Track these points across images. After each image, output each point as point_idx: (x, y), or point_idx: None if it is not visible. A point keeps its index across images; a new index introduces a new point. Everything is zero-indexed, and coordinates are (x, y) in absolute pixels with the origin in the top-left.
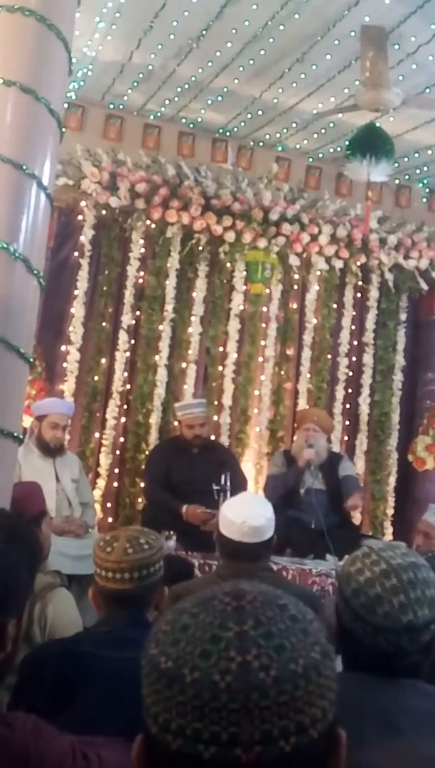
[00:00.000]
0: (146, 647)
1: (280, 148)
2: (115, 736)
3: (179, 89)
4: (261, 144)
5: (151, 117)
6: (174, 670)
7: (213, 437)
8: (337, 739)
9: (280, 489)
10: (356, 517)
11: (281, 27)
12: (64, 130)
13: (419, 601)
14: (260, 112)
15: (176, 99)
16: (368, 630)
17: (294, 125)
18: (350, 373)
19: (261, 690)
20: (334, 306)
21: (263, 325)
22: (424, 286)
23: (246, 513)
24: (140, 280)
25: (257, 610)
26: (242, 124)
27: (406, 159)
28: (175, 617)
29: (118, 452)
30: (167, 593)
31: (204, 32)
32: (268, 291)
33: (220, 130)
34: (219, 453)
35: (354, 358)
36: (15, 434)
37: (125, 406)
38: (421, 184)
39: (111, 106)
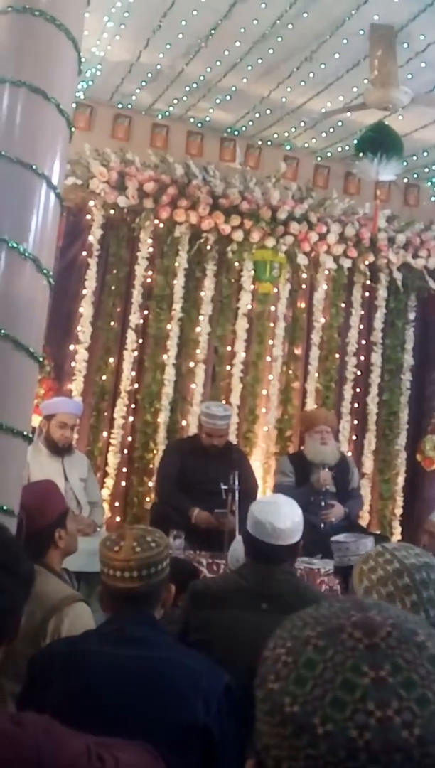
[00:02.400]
0: (263, 675)
1: (288, 147)
2: (126, 735)
3: (187, 88)
4: (269, 143)
5: (160, 116)
6: (302, 717)
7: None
8: None
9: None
10: (363, 518)
11: (290, 26)
12: (73, 129)
13: (431, 601)
14: (268, 111)
15: (184, 98)
16: None
17: (302, 124)
18: (358, 373)
19: (404, 752)
20: (343, 305)
21: (271, 325)
22: (433, 286)
23: (273, 515)
24: (148, 280)
25: (394, 651)
26: (250, 123)
27: (414, 158)
28: (296, 647)
29: (126, 451)
30: (173, 590)
31: (212, 31)
32: (276, 290)
33: (229, 130)
34: (232, 453)
35: (362, 358)
36: (25, 433)
37: (133, 406)
38: (429, 183)
39: (119, 106)
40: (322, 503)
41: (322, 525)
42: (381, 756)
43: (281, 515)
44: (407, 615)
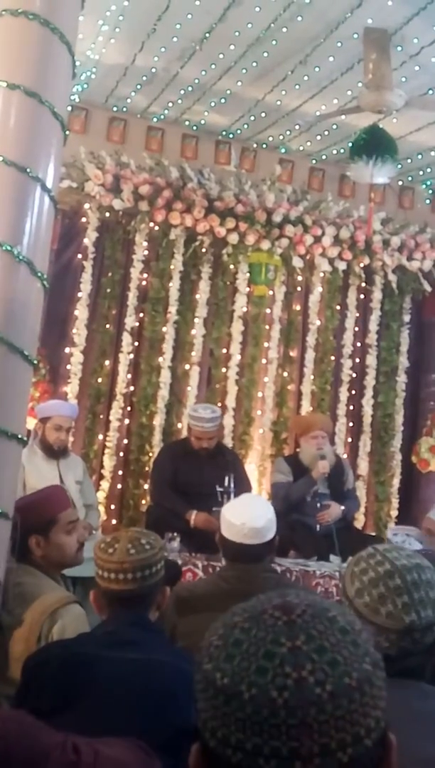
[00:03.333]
0: (198, 660)
1: (283, 150)
2: (124, 737)
3: (182, 92)
4: (264, 146)
5: (155, 119)
6: (231, 686)
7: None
8: (389, 744)
9: (292, 498)
10: (359, 519)
11: (284, 29)
12: (67, 132)
13: (422, 602)
14: (263, 114)
15: (179, 101)
16: (371, 630)
17: (297, 127)
18: (354, 375)
19: (318, 705)
20: (338, 308)
21: (266, 327)
22: (428, 288)
23: (246, 514)
24: (143, 282)
25: (308, 624)
26: (245, 126)
27: (409, 160)
28: (226, 631)
29: (121, 454)
30: (168, 592)
31: (207, 35)
32: (271, 293)
33: (223, 133)
34: (225, 456)
35: (357, 360)
36: (19, 436)
37: (129, 408)
38: (424, 186)
39: (114, 109)
40: (318, 505)
41: (318, 527)
42: (298, 711)
43: (254, 514)
44: (323, 599)
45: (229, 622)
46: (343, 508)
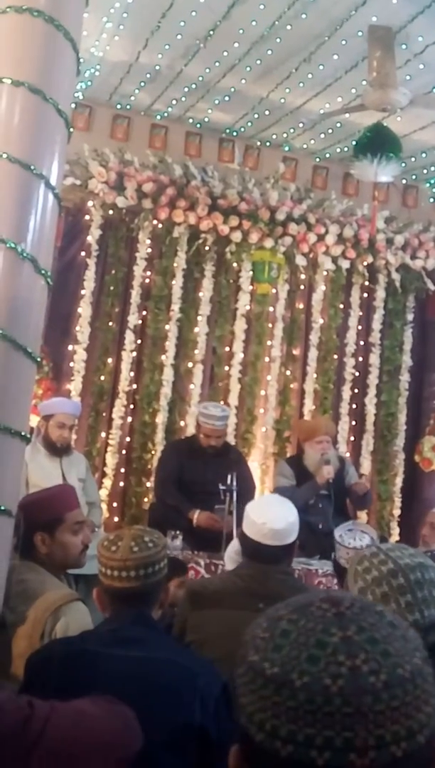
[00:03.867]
0: (242, 654)
1: (286, 148)
2: None
3: (186, 89)
4: (268, 144)
5: (158, 117)
6: (281, 675)
7: None
8: None
9: (296, 504)
10: (361, 518)
11: (288, 27)
12: (71, 130)
13: (426, 601)
14: (267, 112)
15: (183, 99)
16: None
17: (301, 125)
18: (357, 374)
19: (373, 694)
20: (341, 306)
21: (270, 325)
22: (431, 287)
23: (269, 514)
24: (147, 280)
25: (358, 616)
26: (249, 124)
27: (413, 159)
28: (271, 624)
29: (124, 452)
30: (172, 590)
31: (211, 32)
32: (274, 291)
33: (227, 130)
34: (230, 454)
35: (360, 359)
36: (23, 433)
37: (132, 406)
38: (428, 184)
39: (118, 106)
40: (319, 505)
41: (320, 526)
42: (353, 699)
43: (277, 516)
44: (369, 599)
45: (274, 615)
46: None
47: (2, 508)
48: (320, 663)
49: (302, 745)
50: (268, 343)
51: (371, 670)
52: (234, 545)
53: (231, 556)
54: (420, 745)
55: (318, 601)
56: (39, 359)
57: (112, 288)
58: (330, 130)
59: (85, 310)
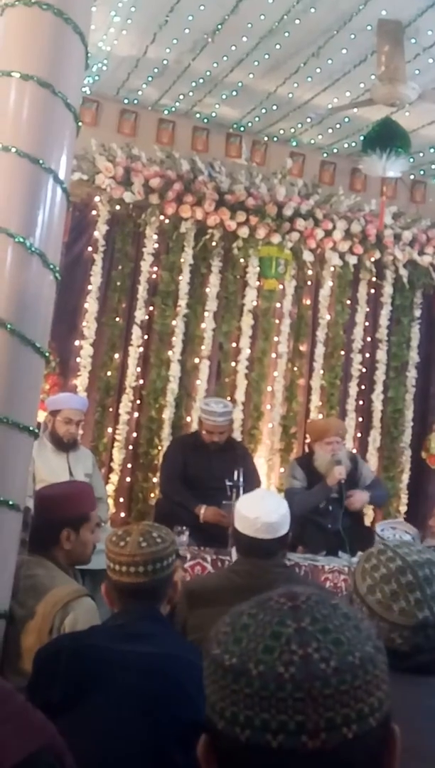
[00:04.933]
0: (207, 649)
1: (294, 144)
2: (130, 731)
3: (194, 84)
4: (275, 139)
5: (166, 112)
6: (239, 665)
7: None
8: (392, 730)
9: (307, 506)
10: (368, 515)
11: (297, 21)
12: (80, 124)
13: None
14: (275, 107)
15: (191, 94)
16: (383, 627)
17: (309, 120)
18: (364, 370)
19: (323, 679)
20: (348, 302)
21: (276, 321)
22: None
23: (260, 509)
24: (153, 276)
25: (312, 609)
26: (257, 119)
27: (421, 154)
28: (233, 619)
29: (131, 447)
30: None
31: (219, 26)
32: (281, 287)
33: (235, 125)
34: (235, 450)
35: (367, 355)
36: (31, 428)
37: (138, 402)
38: None
39: (125, 101)
40: (329, 508)
41: (329, 525)
42: (304, 684)
43: (268, 509)
44: (327, 593)
45: (236, 611)
46: (368, 493)
47: (11, 502)
48: (275, 652)
49: (259, 729)
50: (275, 339)
51: (322, 657)
52: None
53: None
54: (371, 728)
55: (277, 596)
56: (47, 354)
57: (118, 283)
58: (338, 125)
59: (91, 305)
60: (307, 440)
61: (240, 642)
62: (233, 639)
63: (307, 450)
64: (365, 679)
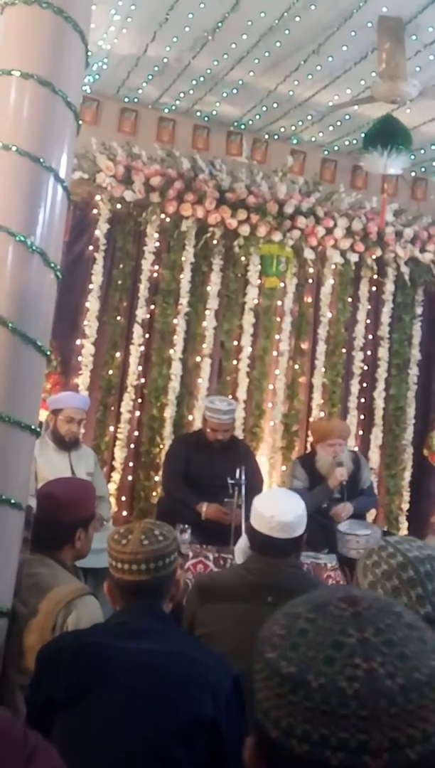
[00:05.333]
0: (260, 650)
1: (295, 141)
2: (133, 728)
3: (194, 82)
4: (276, 137)
5: (166, 110)
6: (298, 675)
7: None
8: None
9: (310, 507)
10: (370, 513)
11: (297, 18)
12: (80, 123)
13: None
14: (275, 105)
15: (191, 92)
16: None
17: (309, 118)
18: (365, 367)
19: (389, 698)
20: (349, 300)
21: (278, 319)
22: None
23: (276, 507)
24: (155, 274)
25: (375, 617)
26: (257, 117)
27: (422, 151)
28: (289, 621)
29: (132, 446)
30: (183, 583)
31: (219, 24)
32: (282, 285)
33: (235, 124)
34: (238, 448)
35: (369, 352)
36: (32, 427)
37: (140, 400)
38: None
39: (126, 100)
40: (331, 508)
41: (331, 524)
42: (369, 702)
43: (285, 508)
44: (389, 598)
45: (292, 612)
46: (352, 505)
47: (13, 501)
48: (336, 664)
49: (317, 744)
50: (277, 336)
51: (388, 673)
52: (245, 539)
53: (242, 549)
54: None
55: (336, 600)
56: (49, 353)
57: (120, 282)
58: (339, 123)
59: (93, 304)
60: (310, 439)
61: (297, 648)
62: (290, 644)
63: (309, 449)
64: (431, 697)
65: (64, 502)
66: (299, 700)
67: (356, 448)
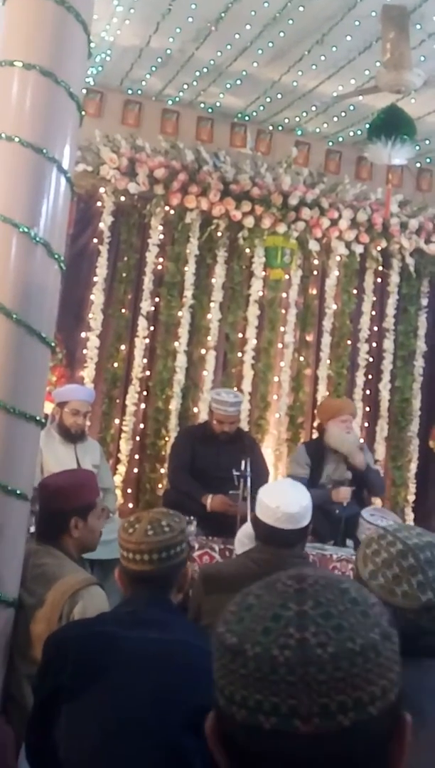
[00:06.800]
0: (215, 630)
1: (299, 132)
2: (138, 717)
3: (198, 73)
4: (280, 128)
5: (170, 102)
6: (238, 645)
7: None
8: (401, 721)
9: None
10: (377, 503)
11: (301, 8)
12: (83, 113)
13: None
14: (279, 96)
15: (194, 83)
16: (388, 611)
17: (314, 108)
18: (371, 359)
19: (318, 665)
20: (355, 291)
21: (283, 311)
22: None
23: (282, 498)
24: (159, 267)
25: (317, 593)
26: (261, 108)
27: (427, 142)
28: (241, 599)
29: (138, 438)
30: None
31: (223, 15)
32: (287, 276)
33: (239, 115)
34: (243, 440)
35: (374, 344)
36: (37, 418)
37: (145, 393)
38: None
39: (129, 92)
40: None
41: (337, 511)
42: (297, 668)
43: (290, 500)
44: (341, 576)
45: (246, 591)
46: (353, 488)
47: (18, 492)
48: (272, 634)
49: (252, 710)
50: (281, 329)
51: (319, 642)
52: (244, 530)
53: (241, 540)
54: (372, 717)
55: (285, 578)
56: (53, 344)
57: (124, 275)
58: (343, 114)
59: (97, 297)
60: (316, 424)
61: (242, 622)
62: (237, 619)
63: (315, 435)
64: (365, 666)
65: (55, 490)
66: (237, 668)
67: (362, 440)
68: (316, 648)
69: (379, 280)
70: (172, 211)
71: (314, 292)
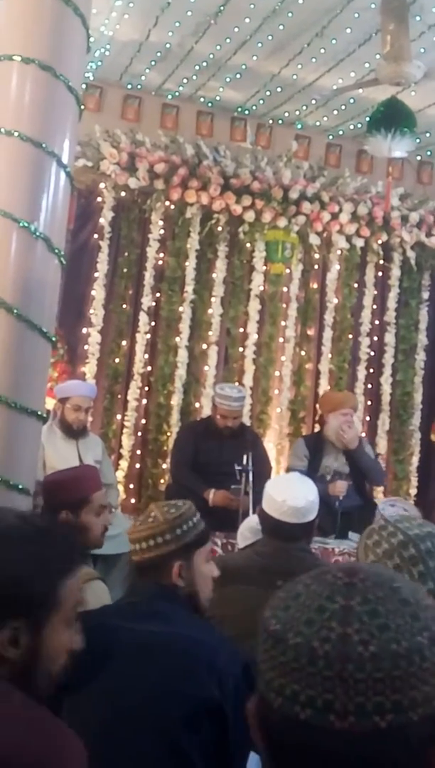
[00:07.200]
0: (263, 616)
1: (299, 126)
2: (139, 709)
3: (197, 67)
4: (280, 122)
5: (169, 96)
6: (280, 632)
7: None
8: None
9: None
10: (378, 497)
11: (300, 1)
12: (82, 107)
13: None
14: (279, 90)
15: (194, 78)
16: None
17: (313, 102)
18: (372, 353)
19: (357, 663)
20: (356, 285)
21: (284, 305)
22: None
23: (288, 492)
24: (160, 262)
25: (367, 589)
26: (261, 101)
27: (428, 134)
28: (291, 586)
29: (140, 433)
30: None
31: (221, 8)
32: (288, 271)
33: (239, 109)
34: (246, 435)
35: (376, 338)
36: (38, 413)
37: (146, 388)
38: None
39: (129, 87)
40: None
41: (337, 503)
42: (335, 663)
43: (297, 494)
44: (397, 574)
45: (297, 579)
46: (350, 483)
47: (20, 486)
48: (314, 626)
49: (289, 699)
50: (283, 323)
51: (361, 639)
52: (246, 523)
53: (243, 533)
54: (411, 722)
55: (335, 570)
56: (54, 339)
57: (125, 270)
58: (343, 107)
59: (98, 292)
60: (318, 414)
61: (288, 609)
62: (283, 606)
63: (316, 428)
64: (408, 670)
65: (46, 485)
66: (277, 655)
67: (364, 434)
68: (357, 645)
69: (380, 273)
70: (172, 206)
71: (315, 286)
